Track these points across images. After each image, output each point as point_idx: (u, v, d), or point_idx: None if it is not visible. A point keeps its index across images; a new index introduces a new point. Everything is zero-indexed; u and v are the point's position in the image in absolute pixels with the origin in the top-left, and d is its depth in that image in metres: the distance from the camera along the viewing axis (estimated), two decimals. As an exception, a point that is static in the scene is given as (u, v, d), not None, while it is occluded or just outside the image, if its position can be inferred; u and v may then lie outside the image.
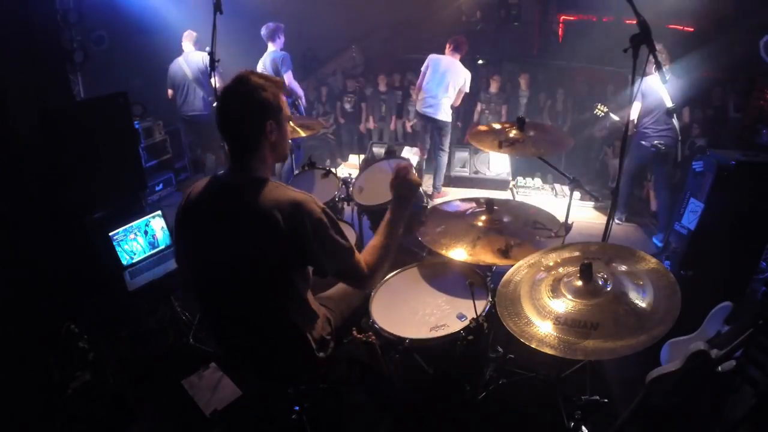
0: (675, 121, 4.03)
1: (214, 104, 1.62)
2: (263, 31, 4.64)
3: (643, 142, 4.16)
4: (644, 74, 3.89)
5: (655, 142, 4.09)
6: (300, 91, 4.90)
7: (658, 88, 3.93)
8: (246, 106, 1.46)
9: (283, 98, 1.55)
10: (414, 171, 1.76)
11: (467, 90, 4.86)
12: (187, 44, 4.93)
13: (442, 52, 4.83)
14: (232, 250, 1.49)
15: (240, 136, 1.50)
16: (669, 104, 3.91)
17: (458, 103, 4.91)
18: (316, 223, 1.46)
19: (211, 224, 1.51)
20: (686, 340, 2.10)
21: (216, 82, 3.27)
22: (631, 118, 4.04)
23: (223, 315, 1.67)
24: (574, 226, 2.30)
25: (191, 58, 4.93)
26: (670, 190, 4.24)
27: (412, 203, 1.75)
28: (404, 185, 1.72)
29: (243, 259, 1.49)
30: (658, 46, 3.89)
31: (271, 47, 4.68)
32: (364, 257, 1.60)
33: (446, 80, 4.70)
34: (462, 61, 4.81)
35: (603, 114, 4.33)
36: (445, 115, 4.86)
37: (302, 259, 1.51)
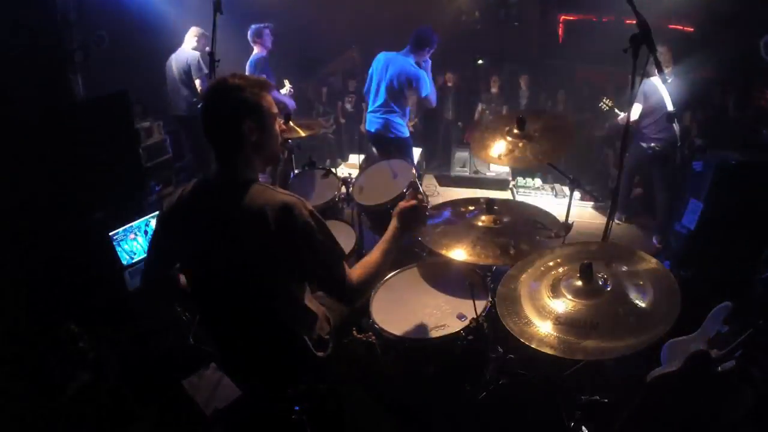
0: (675, 125, 4.03)
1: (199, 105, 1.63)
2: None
3: (642, 144, 4.15)
4: (646, 75, 3.90)
5: (653, 144, 4.09)
6: (287, 101, 4.34)
7: (660, 90, 3.94)
8: (221, 106, 1.46)
9: (269, 99, 1.52)
10: (427, 200, 1.72)
11: (423, 95, 3.63)
12: (188, 41, 4.79)
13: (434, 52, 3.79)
14: (219, 253, 1.48)
15: (218, 136, 1.50)
16: (670, 107, 3.91)
17: (414, 111, 3.97)
18: (303, 227, 1.44)
19: (198, 227, 1.50)
20: (686, 340, 2.10)
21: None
22: (632, 119, 4.04)
23: (216, 317, 1.66)
24: (574, 226, 2.30)
25: (180, 56, 4.76)
26: (669, 190, 4.24)
27: (417, 229, 1.73)
28: (413, 216, 1.68)
29: (230, 263, 1.48)
30: (661, 48, 3.90)
31: (255, 50, 4.47)
32: (355, 270, 1.57)
33: (390, 86, 3.66)
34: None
35: (608, 108, 4.33)
36: (394, 131, 3.79)
37: (291, 263, 1.49)
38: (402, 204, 1.70)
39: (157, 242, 1.66)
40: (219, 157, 1.52)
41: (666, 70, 3.91)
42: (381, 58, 3.79)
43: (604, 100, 4.39)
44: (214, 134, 1.50)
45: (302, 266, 1.50)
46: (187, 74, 4.72)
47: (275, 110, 1.55)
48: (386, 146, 3.86)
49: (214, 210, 1.48)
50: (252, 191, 1.46)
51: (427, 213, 1.74)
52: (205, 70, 4.40)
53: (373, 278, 1.61)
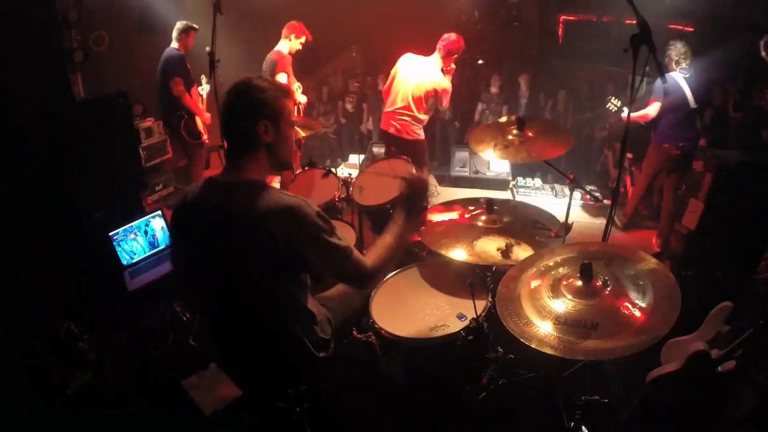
0: (698, 123, 3.94)
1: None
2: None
3: (666, 145, 3.93)
4: (666, 70, 3.80)
5: (681, 144, 3.86)
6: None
7: (683, 86, 3.78)
8: (240, 102, 1.48)
9: (290, 106, 1.54)
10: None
11: (445, 106, 3.77)
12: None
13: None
14: (222, 253, 1.48)
15: (234, 132, 1.51)
16: (693, 104, 3.77)
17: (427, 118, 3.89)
18: (310, 228, 1.44)
19: (203, 226, 1.51)
20: (686, 340, 2.10)
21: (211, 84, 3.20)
22: (650, 117, 3.88)
23: (217, 317, 1.66)
24: (574, 226, 2.30)
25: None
26: (676, 192, 4.16)
27: (421, 207, 1.77)
28: (418, 192, 1.72)
29: (233, 263, 1.48)
30: (679, 44, 3.84)
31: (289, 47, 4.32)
32: (368, 255, 1.59)
33: (416, 92, 3.69)
34: (460, 62, 3.77)
35: (617, 108, 4.19)
36: (412, 133, 3.82)
37: (297, 265, 1.49)
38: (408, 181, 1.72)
39: (172, 240, 1.69)
40: (230, 154, 1.54)
41: (684, 64, 3.81)
42: (408, 61, 3.78)
43: (612, 101, 4.23)
44: (230, 130, 1.52)
45: (310, 266, 1.50)
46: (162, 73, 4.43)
47: (293, 119, 1.57)
48: (399, 147, 3.83)
49: (217, 209, 1.48)
50: (257, 192, 1.46)
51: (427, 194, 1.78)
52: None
53: (388, 259, 1.62)
